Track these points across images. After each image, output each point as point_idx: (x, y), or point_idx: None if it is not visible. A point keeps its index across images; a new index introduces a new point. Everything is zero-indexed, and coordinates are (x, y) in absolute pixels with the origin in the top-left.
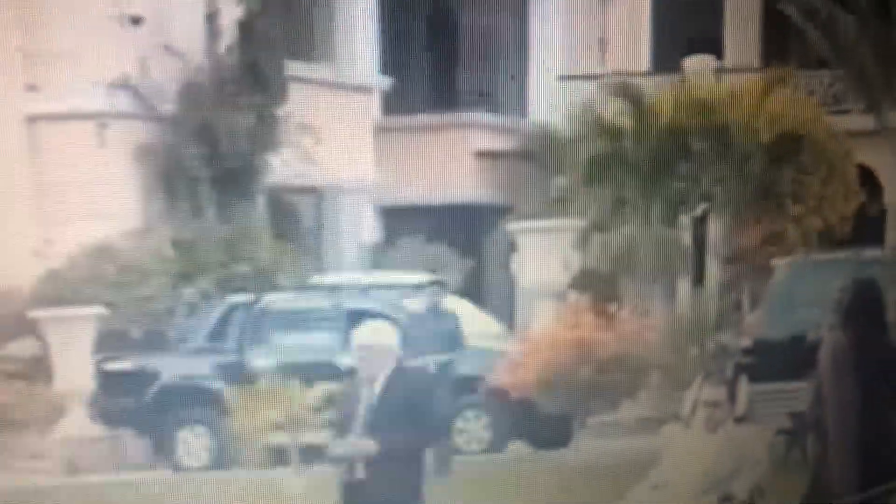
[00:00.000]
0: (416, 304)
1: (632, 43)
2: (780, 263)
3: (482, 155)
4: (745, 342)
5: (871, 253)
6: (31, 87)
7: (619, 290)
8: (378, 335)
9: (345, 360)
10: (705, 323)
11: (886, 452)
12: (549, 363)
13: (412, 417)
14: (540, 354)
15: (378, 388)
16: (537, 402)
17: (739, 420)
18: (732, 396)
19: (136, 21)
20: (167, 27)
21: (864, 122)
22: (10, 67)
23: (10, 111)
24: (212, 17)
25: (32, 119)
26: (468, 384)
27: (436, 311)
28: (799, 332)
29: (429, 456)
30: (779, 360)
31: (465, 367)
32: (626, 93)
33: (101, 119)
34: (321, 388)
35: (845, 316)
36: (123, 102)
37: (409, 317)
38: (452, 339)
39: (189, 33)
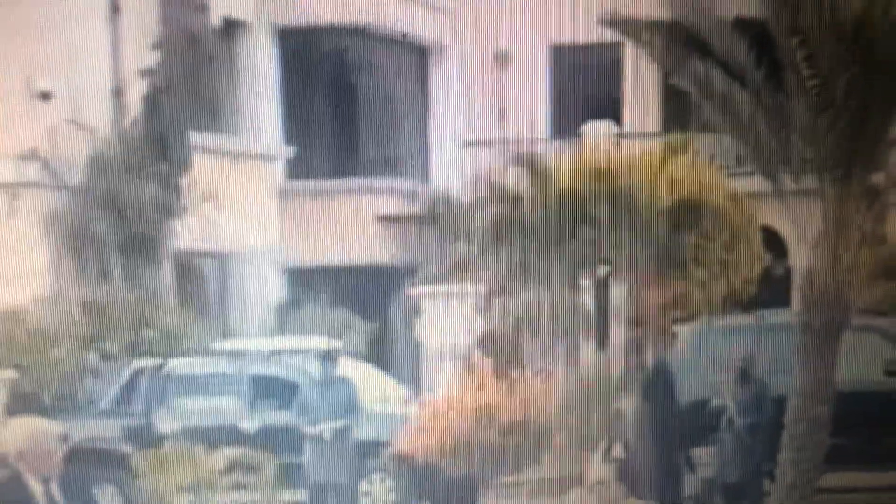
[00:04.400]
0: (313, 370)
1: (530, 109)
2: (683, 329)
3: (385, 218)
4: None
5: (774, 317)
6: None
7: (522, 353)
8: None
9: (248, 425)
10: (608, 386)
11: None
12: (453, 428)
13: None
14: (443, 419)
15: None
16: (441, 466)
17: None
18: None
19: (46, 96)
20: (76, 102)
21: (767, 184)
22: None
23: None
24: (118, 92)
25: None
26: (372, 448)
27: (331, 378)
28: (701, 398)
29: None
30: (682, 425)
31: (367, 431)
32: (524, 159)
33: (11, 189)
34: (226, 452)
35: (644, 391)
36: (33, 173)
37: (308, 383)
38: (348, 405)
39: (96, 107)
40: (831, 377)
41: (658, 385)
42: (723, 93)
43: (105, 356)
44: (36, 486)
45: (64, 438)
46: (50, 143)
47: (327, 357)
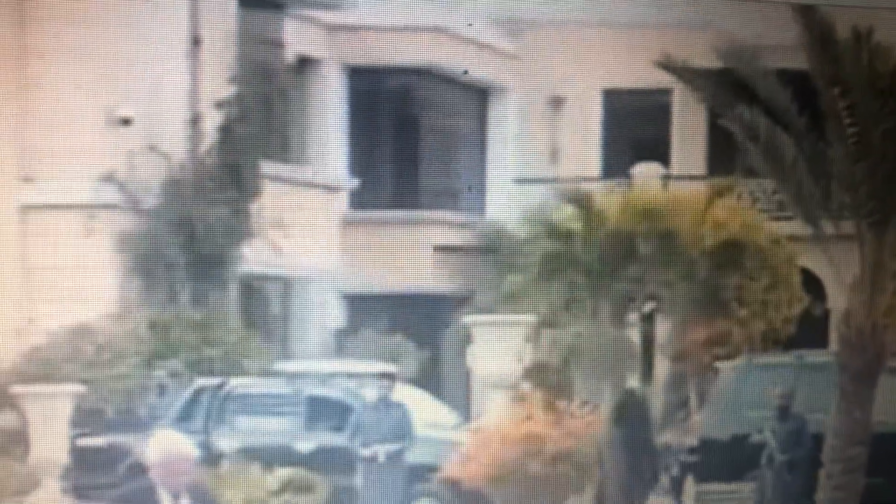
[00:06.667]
0: (369, 393)
1: (582, 149)
2: (725, 366)
3: (442, 249)
4: (692, 440)
5: (812, 357)
6: (27, 179)
7: (569, 385)
8: (174, 445)
9: (303, 446)
10: (653, 420)
11: None
12: (500, 456)
13: None
14: (491, 448)
15: None
16: (488, 494)
17: None
18: (679, 494)
19: (126, 122)
20: (154, 128)
21: (807, 228)
22: (9, 161)
23: (6, 200)
24: (195, 121)
25: (26, 208)
26: (422, 472)
27: (386, 402)
28: (742, 433)
29: None
30: (723, 459)
31: (418, 456)
32: (576, 198)
33: (89, 210)
34: (280, 472)
35: (615, 418)
36: (110, 195)
37: (362, 406)
38: (402, 429)
39: (173, 135)
40: (867, 418)
41: (631, 412)
42: (767, 138)
43: (168, 373)
44: (166, 500)
45: (196, 461)
46: (127, 167)
47: (383, 381)
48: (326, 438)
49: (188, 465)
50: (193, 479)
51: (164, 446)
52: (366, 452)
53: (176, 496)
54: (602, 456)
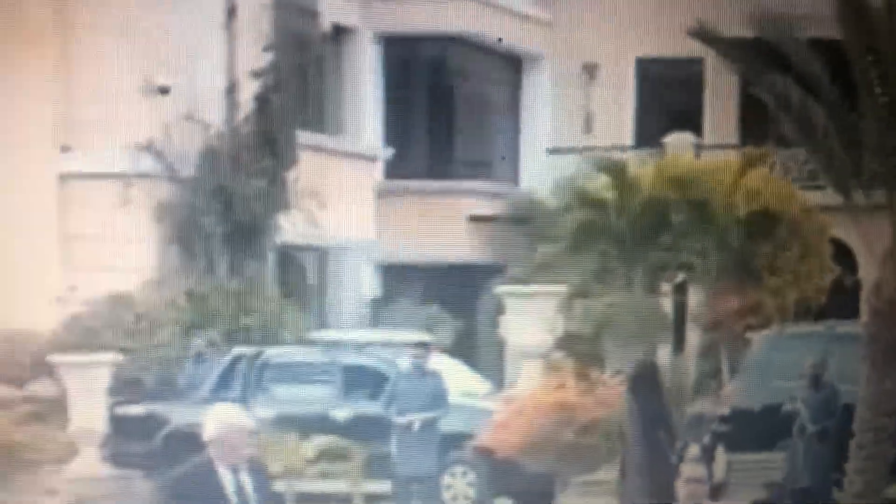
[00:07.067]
0: (404, 362)
1: (616, 118)
2: (756, 336)
3: (475, 219)
4: (724, 410)
5: (844, 327)
6: (66, 149)
7: (602, 354)
8: (232, 418)
9: (340, 414)
10: (684, 389)
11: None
12: (533, 426)
13: None
14: (524, 417)
15: None
16: (522, 462)
17: (717, 489)
18: (710, 464)
19: (163, 91)
20: (191, 98)
21: (838, 198)
22: (48, 131)
23: (45, 169)
24: (231, 91)
25: (65, 177)
26: (456, 440)
27: (421, 371)
28: (774, 403)
29: None
30: (754, 429)
31: (452, 424)
32: (609, 167)
33: (126, 179)
34: (316, 440)
35: (631, 389)
36: (148, 165)
37: (398, 375)
38: (437, 398)
39: (210, 104)
40: None
41: (645, 380)
42: (799, 108)
43: (206, 343)
44: (225, 475)
45: (255, 432)
46: (165, 136)
47: (418, 350)
48: (362, 407)
49: (246, 438)
50: (251, 453)
51: (222, 420)
52: (401, 421)
53: (235, 470)
54: (622, 427)
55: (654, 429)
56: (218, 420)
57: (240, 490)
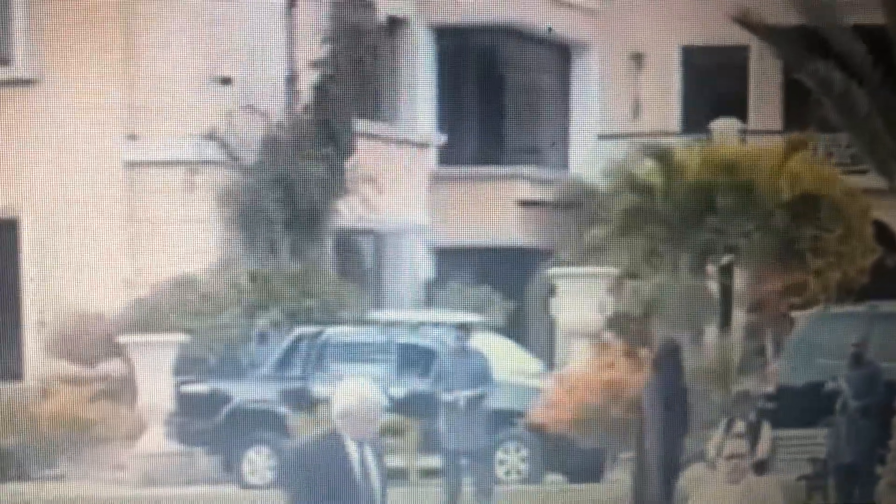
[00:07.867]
0: (449, 341)
1: (662, 105)
2: (800, 315)
3: (526, 204)
4: (769, 388)
5: (886, 307)
6: (132, 137)
7: (650, 334)
8: (363, 392)
9: (396, 391)
10: (730, 368)
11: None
12: (584, 403)
13: None
14: (575, 394)
15: None
16: (572, 438)
17: (761, 464)
18: (755, 440)
19: (226, 82)
20: (252, 88)
21: (880, 181)
22: (114, 119)
23: (112, 157)
24: (291, 81)
25: (131, 164)
26: (509, 417)
27: (465, 350)
28: (817, 381)
29: (472, 485)
30: (799, 406)
31: (505, 401)
32: (657, 152)
33: (191, 166)
34: None
35: (654, 364)
36: (211, 152)
37: (444, 353)
38: (481, 376)
39: (271, 94)
40: None
41: (669, 358)
42: (841, 93)
43: (269, 323)
44: (352, 448)
45: (384, 409)
46: (227, 124)
47: (461, 329)
48: (415, 384)
49: (376, 413)
50: (378, 428)
51: (352, 394)
52: (448, 397)
53: (361, 445)
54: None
55: (670, 405)
56: (350, 394)
57: (363, 462)
